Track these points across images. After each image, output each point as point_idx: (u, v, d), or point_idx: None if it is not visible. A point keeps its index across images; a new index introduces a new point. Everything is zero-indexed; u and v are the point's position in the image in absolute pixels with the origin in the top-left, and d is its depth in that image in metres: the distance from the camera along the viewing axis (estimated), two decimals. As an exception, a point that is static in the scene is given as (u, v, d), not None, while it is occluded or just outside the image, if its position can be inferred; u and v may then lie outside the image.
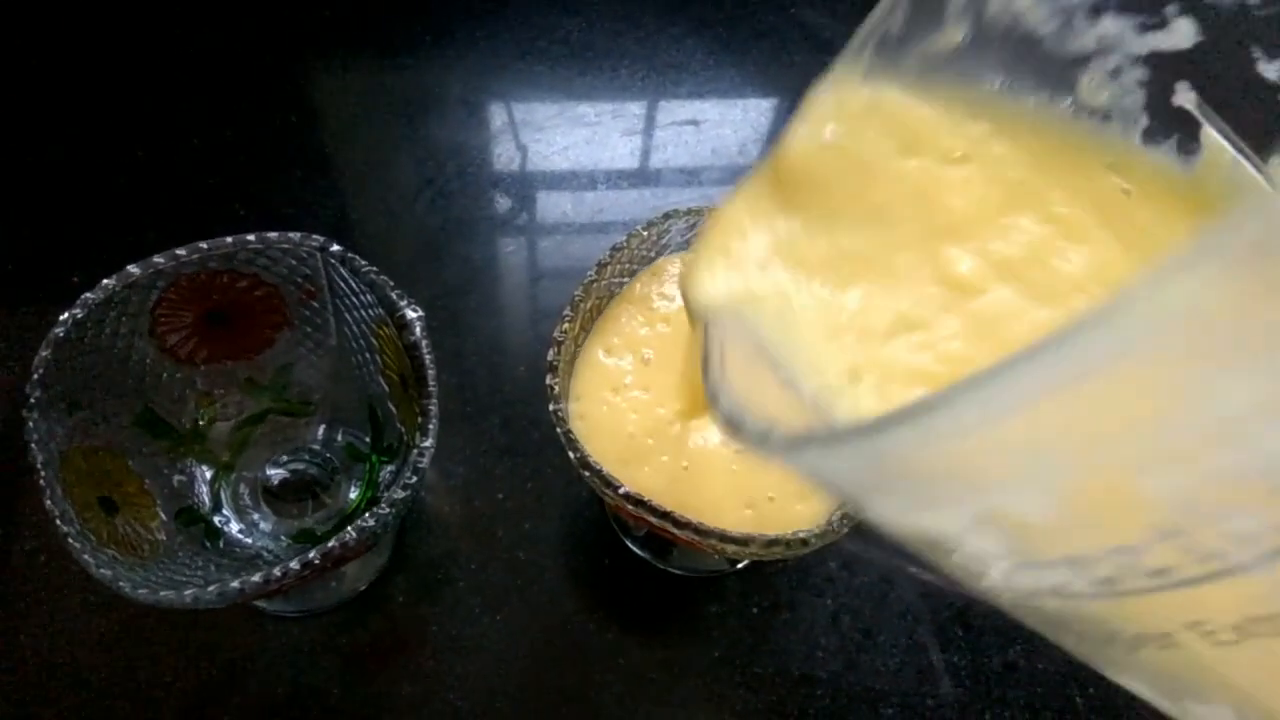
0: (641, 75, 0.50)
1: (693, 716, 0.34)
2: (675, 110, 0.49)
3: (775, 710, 0.34)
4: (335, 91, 0.50)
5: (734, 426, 0.14)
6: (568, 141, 0.47)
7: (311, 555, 0.24)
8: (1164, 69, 0.18)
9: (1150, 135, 0.19)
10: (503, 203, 0.46)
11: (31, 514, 0.35)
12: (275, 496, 0.34)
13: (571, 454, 0.28)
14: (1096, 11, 0.17)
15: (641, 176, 0.47)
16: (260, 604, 0.34)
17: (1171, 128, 0.18)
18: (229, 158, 0.46)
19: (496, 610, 0.36)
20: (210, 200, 0.45)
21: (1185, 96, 0.18)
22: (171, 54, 0.49)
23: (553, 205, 0.46)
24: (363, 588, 0.36)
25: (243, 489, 0.33)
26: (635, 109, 0.49)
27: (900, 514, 0.13)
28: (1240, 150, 0.18)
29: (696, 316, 0.19)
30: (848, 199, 0.19)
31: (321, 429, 0.34)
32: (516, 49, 0.50)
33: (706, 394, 0.16)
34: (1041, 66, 0.18)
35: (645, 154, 0.48)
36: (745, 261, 0.19)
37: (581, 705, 0.34)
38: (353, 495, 0.34)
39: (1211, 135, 0.18)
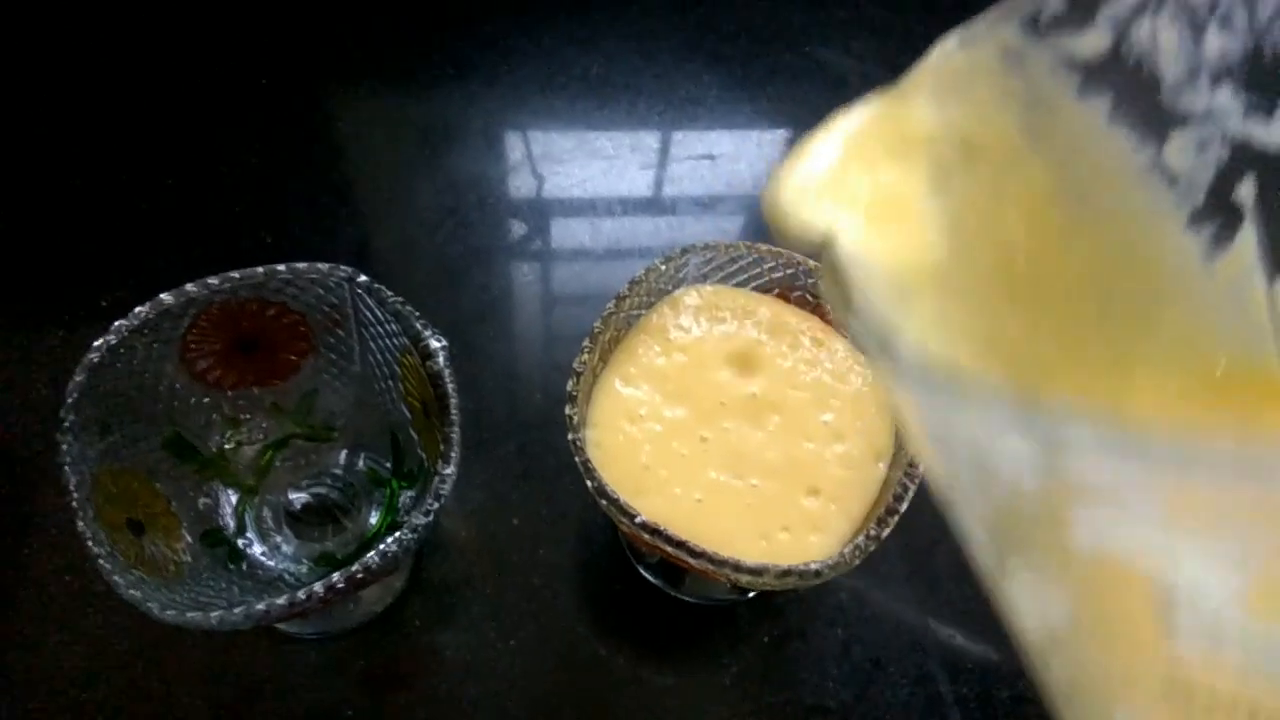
0: (659, 109, 0.51)
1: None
2: (691, 144, 0.50)
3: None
4: (360, 123, 0.51)
5: (927, 369, 0.12)
6: (586, 173, 0.48)
7: (335, 578, 0.25)
8: (1243, 158, 0.18)
9: (1196, 218, 0.19)
10: (521, 232, 0.47)
11: (56, 533, 0.36)
12: (297, 520, 0.34)
13: (589, 482, 0.28)
14: (1220, 78, 0.17)
15: (657, 207, 0.48)
16: (279, 625, 0.35)
17: (1218, 217, 0.18)
18: (255, 186, 0.47)
19: (511, 635, 0.36)
20: (236, 227, 0.46)
21: (1246, 191, 0.18)
22: (199, 86, 0.50)
23: (570, 235, 0.47)
24: (380, 610, 0.36)
25: (266, 512, 0.34)
26: (652, 142, 0.50)
27: (1134, 542, 0.11)
28: (1265, 261, 0.18)
29: (793, 233, 0.17)
30: (1033, 217, 0.19)
31: (344, 454, 0.35)
32: (537, 84, 0.51)
33: (859, 326, 0.14)
34: (1148, 110, 0.18)
35: (661, 185, 0.49)
36: (867, 200, 0.18)
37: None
38: (373, 520, 0.35)
39: (1247, 237, 0.18)
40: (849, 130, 0.18)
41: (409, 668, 0.36)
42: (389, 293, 0.30)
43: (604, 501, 0.28)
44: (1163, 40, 0.17)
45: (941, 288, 0.18)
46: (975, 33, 0.18)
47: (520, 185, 0.48)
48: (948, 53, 0.18)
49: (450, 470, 0.27)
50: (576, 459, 0.29)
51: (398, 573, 0.36)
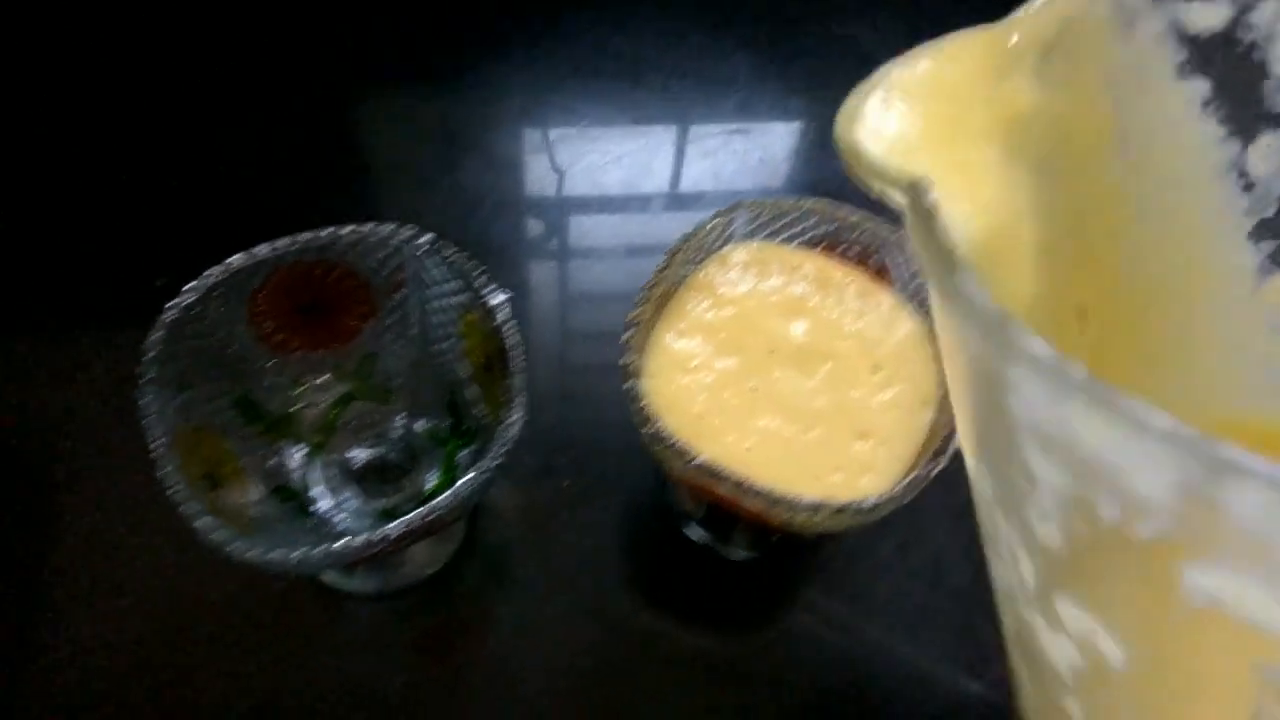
0: (690, 88, 0.52)
1: (753, 697, 0.35)
2: (724, 122, 0.51)
3: (830, 691, 0.35)
4: (394, 114, 0.52)
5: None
6: (622, 150, 0.49)
7: (413, 517, 0.26)
8: None
9: (1264, 228, 0.18)
10: (554, 215, 0.48)
11: (105, 510, 0.37)
12: (358, 479, 0.35)
13: (646, 429, 0.29)
14: None
15: (692, 185, 0.49)
16: (334, 584, 0.36)
17: (1277, 235, 0.18)
18: (284, 180, 0.48)
19: (560, 597, 0.37)
20: (267, 219, 0.46)
21: None
22: (235, 84, 0.52)
23: (604, 218, 0.48)
24: (433, 573, 0.37)
25: (330, 472, 0.35)
26: (685, 121, 0.51)
27: (1261, 609, 0.10)
28: None
29: (870, 173, 0.16)
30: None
31: (402, 415, 0.36)
32: (572, 64, 0.53)
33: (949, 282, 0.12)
34: (1244, 104, 0.17)
35: (695, 162, 0.50)
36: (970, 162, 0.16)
37: (646, 690, 0.35)
38: (431, 479, 0.36)
39: None
40: (947, 77, 0.17)
41: (459, 630, 0.37)
42: (453, 248, 0.31)
43: (661, 446, 0.29)
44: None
45: (1029, 282, 0.17)
46: None
47: (554, 167, 0.49)
48: None
49: (518, 415, 0.28)
50: (632, 406, 0.30)
51: (452, 534, 0.37)
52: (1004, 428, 0.13)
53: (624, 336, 0.31)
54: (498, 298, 0.30)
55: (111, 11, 0.53)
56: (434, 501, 0.26)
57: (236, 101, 0.51)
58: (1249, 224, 0.18)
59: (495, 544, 0.39)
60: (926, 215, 0.14)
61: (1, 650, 0.34)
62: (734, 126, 0.51)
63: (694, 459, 0.28)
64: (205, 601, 0.35)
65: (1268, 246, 0.18)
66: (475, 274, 0.31)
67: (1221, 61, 0.17)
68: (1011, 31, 0.16)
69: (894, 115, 0.16)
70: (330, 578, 0.36)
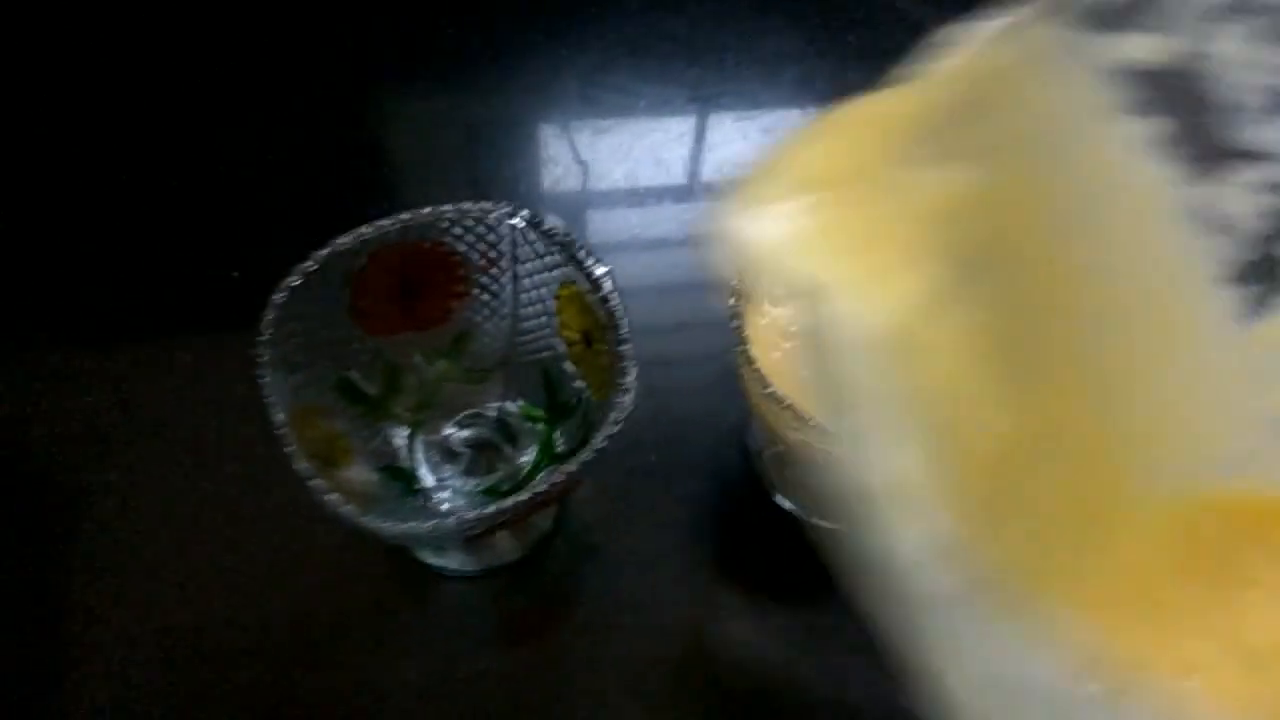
0: (745, 65, 0.52)
1: (851, 664, 0.35)
2: (783, 97, 0.51)
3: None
4: (449, 103, 0.52)
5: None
6: (682, 128, 0.50)
7: (546, 482, 0.26)
8: None
9: (1247, 271, 0.16)
10: (613, 201, 0.48)
11: (217, 486, 0.37)
12: (456, 459, 0.36)
13: (761, 389, 0.30)
14: None
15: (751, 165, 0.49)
16: (428, 561, 0.36)
17: (1262, 278, 0.16)
18: (315, 174, 0.48)
19: (650, 572, 0.37)
20: (309, 214, 0.45)
21: None
22: (281, 81, 0.52)
23: (669, 206, 0.48)
24: (524, 551, 0.37)
25: (430, 451, 0.35)
26: (744, 97, 0.52)
27: None
28: None
29: (767, 271, 0.14)
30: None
31: (497, 394, 0.36)
32: (626, 46, 0.53)
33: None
34: (1206, 140, 0.16)
35: (755, 139, 0.50)
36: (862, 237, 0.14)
37: (739, 664, 0.36)
38: (527, 457, 0.36)
39: None
40: (850, 158, 0.15)
41: (550, 608, 0.37)
42: (554, 223, 0.31)
43: (778, 408, 0.29)
44: (1243, 56, 0.15)
45: (963, 366, 0.15)
46: (1022, 20, 0.16)
47: (619, 143, 0.50)
48: (986, 39, 0.16)
49: (632, 380, 0.28)
50: (742, 372, 0.30)
51: (544, 514, 0.37)
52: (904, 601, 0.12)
53: (729, 302, 0.31)
54: (601, 269, 0.30)
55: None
56: (563, 466, 0.27)
57: (289, 99, 0.51)
58: (1225, 269, 0.16)
59: (583, 523, 0.39)
60: (819, 337, 0.12)
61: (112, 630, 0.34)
62: (793, 101, 0.51)
63: (811, 419, 0.29)
64: (295, 575, 0.36)
65: (1252, 291, 0.16)
66: (577, 247, 0.31)
67: (1174, 97, 0.15)
68: (917, 93, 0.15)
69: (791, 208, 0.14)
70: (424, 554, 0.36)
